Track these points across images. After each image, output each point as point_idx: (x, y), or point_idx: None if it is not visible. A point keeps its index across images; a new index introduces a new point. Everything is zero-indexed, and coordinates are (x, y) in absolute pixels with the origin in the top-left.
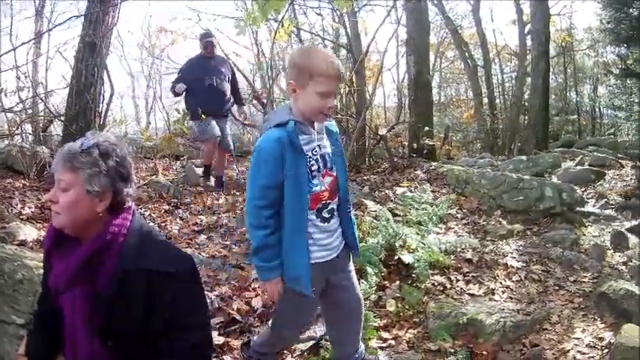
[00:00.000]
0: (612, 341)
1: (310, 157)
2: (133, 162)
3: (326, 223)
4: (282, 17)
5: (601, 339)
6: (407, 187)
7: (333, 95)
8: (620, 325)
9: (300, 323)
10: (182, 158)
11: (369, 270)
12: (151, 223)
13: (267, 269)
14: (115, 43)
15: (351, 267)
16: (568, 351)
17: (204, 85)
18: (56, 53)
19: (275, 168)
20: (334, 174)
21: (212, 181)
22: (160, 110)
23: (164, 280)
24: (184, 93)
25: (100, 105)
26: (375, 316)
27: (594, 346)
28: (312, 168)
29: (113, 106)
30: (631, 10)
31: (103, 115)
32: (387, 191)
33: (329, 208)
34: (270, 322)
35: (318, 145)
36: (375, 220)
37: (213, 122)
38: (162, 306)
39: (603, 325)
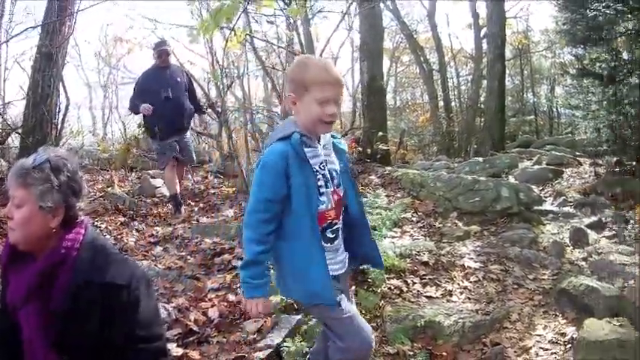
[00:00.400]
0: (575, 336)
1: (317, 172)
2: (89, 174)
3: (329, 244)
4: (234, 26)
5: (563, 334)
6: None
7: (333, 102)
8: (582, 320)
9: (360, 328)
10: (136, 169)
11: None
12: (107, 236)
13: (253, 287)
14: (72, 53)
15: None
16: (530, 348)
17: (160, 98)
18: (14, 64)
19: (278, 181)
20: (341, 193)
21: (183, 212)
22: (116, 121)
23: (119, 293)
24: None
25: (57, 116)
26: None
27: (556, 342)
28: (319, 183)
29: (70, 117)
30: (587, 11)
31: (59, 127)
32: None
33: (334, 228)
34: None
35: (325, 161)
36: None
37: (172, 143)
38: (120, 319)
39: (565, 321)
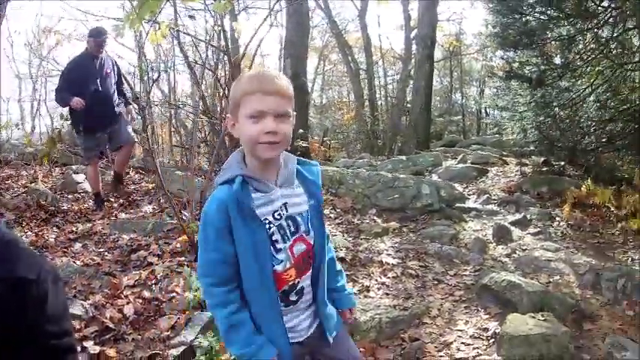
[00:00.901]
0: (498, 331)
1: (270, 224)
2: (14, 169)
3: (292, 306)
4: (155, 18)
5: (485, 329)
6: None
7: (271, 116)
8: (504, 315)
9: None
10: (60, 164)
11: None
12: (29, 232)
13: (251, 354)
14: (4, 44)
15: (344, 337)
16: (451, 343)
17: (89, 90)
18: None
19: (220, 240)
20: (311, 240)
21: (103, 210)
22: (42, 115)
23: (28, 288)
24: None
25: None
26: None
27: (478, 337)
28: (274, 238)
29: None
30: (519, 16)
31: None
32: None
33: (297, 288)
34: None
35: (284, 205)
36: None
37: (100, 137)
38: (29, 315)
39: (487, 316)
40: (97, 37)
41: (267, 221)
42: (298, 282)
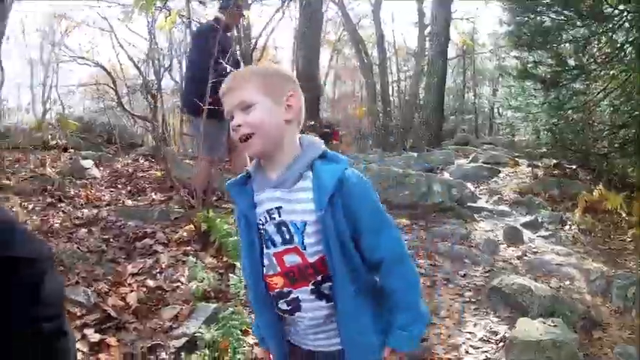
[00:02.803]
0: (507, 335)
1: (259, 225)
2: (23, 153)
3: (286, 315)
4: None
5: (495, 333)
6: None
7: (237, 112)
8: (514, 319)
9: None
10: (70, 150)
11: (239, 265)
12: (34, 217)
13: (259, 339)
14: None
15: None
16: (459, 345)
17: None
18: None
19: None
20: (310, 259)
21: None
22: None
23: (23, 269)
24: (185, 78)
25: None
26: (249, 312)
27: (488, 340)
28: (264, 239)
29: (9, 95)
30: (535, 15)
31: None
32: None
33: (289, 298)
34: None
35: (277, 209)
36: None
37: (222, 124)
38: (20, 295)
39: (497, 319)
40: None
41: (260, 222)
42: (290, 291)
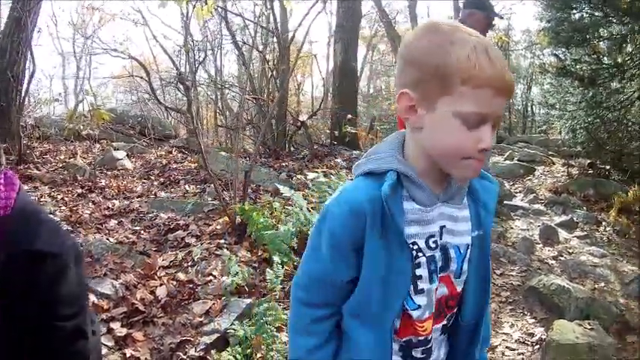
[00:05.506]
0: (544, 337)
1: (419, 252)
2: (53, 144)
3: None
4: None
5: (531, 335)
6: (321, 172)
7: (490, 124)
8: (551, 320)
9: None
10: (102, 141)
11: (276, 259)
12: (63, 207)
13: None
14: (48, 21)
15: None
16: (496, 347)
17: None
18: None
19: (340, 254)
20: (458, 286)
21: None
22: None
23: (47, 264)
24: None
25: (23, 84)
26: (283, 308)
27: (524, 342)
28: (419, 272)
29: (42, 86)
30: (572, 12)
31: (23, 95)
32: (304, 178)
33: (428, 346)
34: None
35: (441, 228)
36: (287, 207)
37: None
38: (40, 290)
39: (533, 320)
40: (485, 10)
41: (415, 247)
42: (428, 337)
